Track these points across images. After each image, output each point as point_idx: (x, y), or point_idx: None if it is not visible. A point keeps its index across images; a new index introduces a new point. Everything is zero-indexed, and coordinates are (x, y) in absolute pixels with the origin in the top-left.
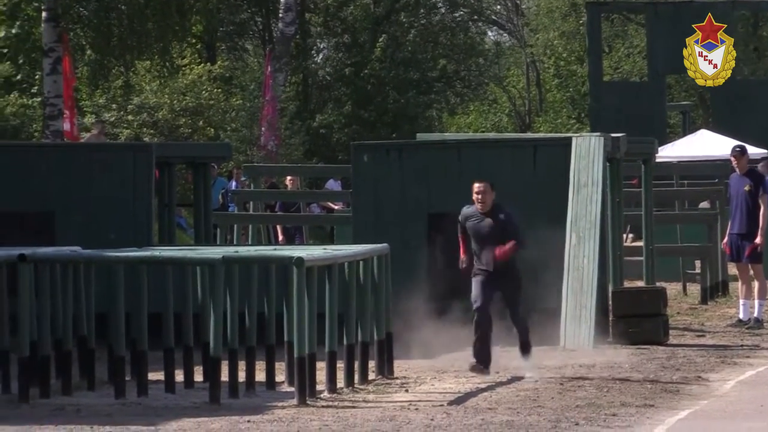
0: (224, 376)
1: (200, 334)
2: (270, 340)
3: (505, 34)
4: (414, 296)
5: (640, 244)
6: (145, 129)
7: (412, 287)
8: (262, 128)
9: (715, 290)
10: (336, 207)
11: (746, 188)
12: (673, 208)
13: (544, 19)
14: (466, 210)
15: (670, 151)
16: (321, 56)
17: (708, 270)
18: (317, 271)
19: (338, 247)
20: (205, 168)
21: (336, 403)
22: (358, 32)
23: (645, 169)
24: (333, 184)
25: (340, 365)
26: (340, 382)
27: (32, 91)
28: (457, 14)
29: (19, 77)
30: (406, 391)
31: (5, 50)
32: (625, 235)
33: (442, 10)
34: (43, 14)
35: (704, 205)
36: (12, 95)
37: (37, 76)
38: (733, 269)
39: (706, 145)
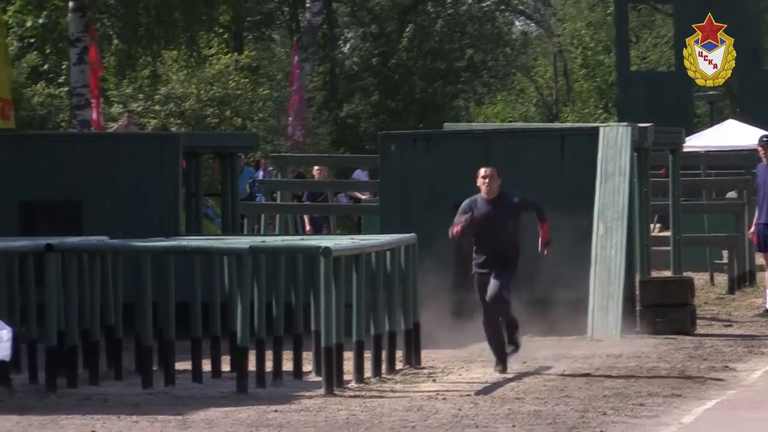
0: (251, 366)
1: (227, 324)
2: (297, 329)
3: (532, 24)
4: (441, 286)
5: (668, 233)
6: (172, 119)
7: (440, 277)
8: (290, 118)
9: (743, 280)
10: (363, 197)
11: None
12: (701, 198)
13: (571, 9)
14: (470, 200)
15: (697, 141)
16: (348, 46)
17: (735, 260)
18: (344, 260)
19: (365, 237)
20: (233, 158)
21: (363, 393)
22: (385, 22)
23: (672, 158)
24: (360, 174)
25: (368, 355)
26: (368, 372)
27: (59, 81)
28: (484, 4)
29: (46, 67)
30: (434, 381)
31: (32, 40)
32: (652, 225)
33: (469, 0)
34: (70, 4)
35: (731, 194)
36: (39, 85)
37: (63, 66)
38: (760, 259)
39: (734, 134)
